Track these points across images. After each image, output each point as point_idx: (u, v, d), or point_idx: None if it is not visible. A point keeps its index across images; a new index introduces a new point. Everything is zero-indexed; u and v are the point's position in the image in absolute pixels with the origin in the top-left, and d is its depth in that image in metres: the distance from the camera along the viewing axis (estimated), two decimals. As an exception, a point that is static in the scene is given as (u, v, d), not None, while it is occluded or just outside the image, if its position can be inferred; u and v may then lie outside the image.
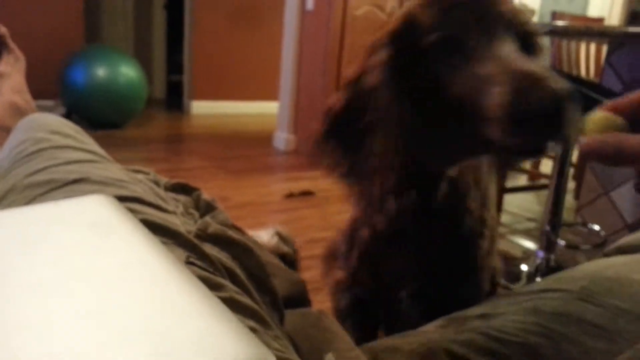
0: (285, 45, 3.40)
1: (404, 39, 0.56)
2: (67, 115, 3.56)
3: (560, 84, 0.43)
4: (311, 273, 1.61)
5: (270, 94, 4.94)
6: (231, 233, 0.53)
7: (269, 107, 4.89)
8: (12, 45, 1.05)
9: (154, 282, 0.29)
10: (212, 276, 0.42)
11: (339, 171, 0.62)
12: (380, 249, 0.70)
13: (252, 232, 0.89)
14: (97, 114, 3.50)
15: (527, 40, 0.56)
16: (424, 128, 0.55)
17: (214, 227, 0.52)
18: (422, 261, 0.67)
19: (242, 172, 2.81)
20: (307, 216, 2.17)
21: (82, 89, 3.37)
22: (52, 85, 3.62)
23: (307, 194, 2.46)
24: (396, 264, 0.69)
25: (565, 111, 0.43)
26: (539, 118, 0.44)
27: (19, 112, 0.89)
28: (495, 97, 0.46)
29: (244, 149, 3.39)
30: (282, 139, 3.45)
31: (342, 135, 0.61)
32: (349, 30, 3.08)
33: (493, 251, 0.71)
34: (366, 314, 0.79)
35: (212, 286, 0.40)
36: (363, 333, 0.81)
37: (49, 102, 3.70)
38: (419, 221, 0.64)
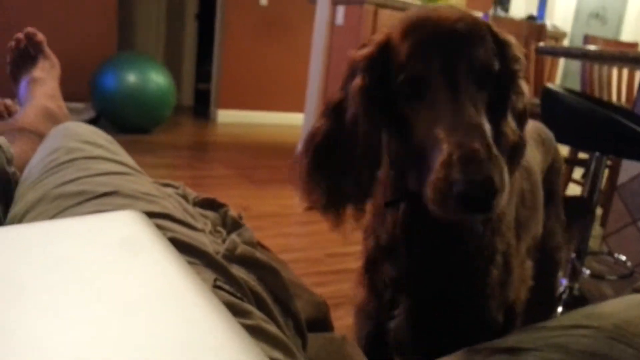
0: (313, 59, 3.42)
1: (379, 67, 0.57)
2: (97, 119, 3.64)
3: (485, 170, 0.46)
4: (331, 288, 1.60)
5: (296, 106, 4.97)
6: (258, 254, 0.53)
7: (294, 119, 4.92)
8: (48, 51, 1.07)
9: (179, 307, 0.28)
10: (239, 302, 0.42)
11: (321, 204, 0.65)
12: (379, 261, 0.70)
13: None
14: (126, 119, 3.57)
15: (507, 68, 0.57)
16: (400, 152, 0.58)
17: (241, 248, 0.52)
18: (416, 276, 0.66)
19: (265, 182, 2.82)
20: (327, 230, 2.16)
21: (112, 94, 3.44)
22: (84, 88, 3.71)
23: (328, 207, 2.46)
24: (391, 276, 0.68)
25: (479, 198, 0.46)
26: (454, 198, 0.46)
27: (52, 118, 0.91)
28: (430, 160, 0.50)
29: (268, 159, 3.41)
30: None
31: (326, 166, 0.62)
32: (378, 46, 3.09)
33: (510, 282, 0.68)
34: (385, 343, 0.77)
35: (239, 313, 0.41)
36: None
37: (79, 105, 3.78)
38: (411, 234, 0.64)
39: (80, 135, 0.62)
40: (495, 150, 0.48)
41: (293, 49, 4.91)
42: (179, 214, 0.51)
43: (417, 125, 0.53)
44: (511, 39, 0.61)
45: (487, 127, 0.51)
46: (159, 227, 0.42)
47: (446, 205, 0.48)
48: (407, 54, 0.54)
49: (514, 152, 0.61)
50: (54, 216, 0.46)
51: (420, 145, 0.53)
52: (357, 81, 0.58)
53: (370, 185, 0.59)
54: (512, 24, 2.52)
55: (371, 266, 0.72)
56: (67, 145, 0.58)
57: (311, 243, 1.99)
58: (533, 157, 0.85)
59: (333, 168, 0.61)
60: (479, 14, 2.71)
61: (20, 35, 1.02)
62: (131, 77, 3.44)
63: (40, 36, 1.04)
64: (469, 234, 0.63)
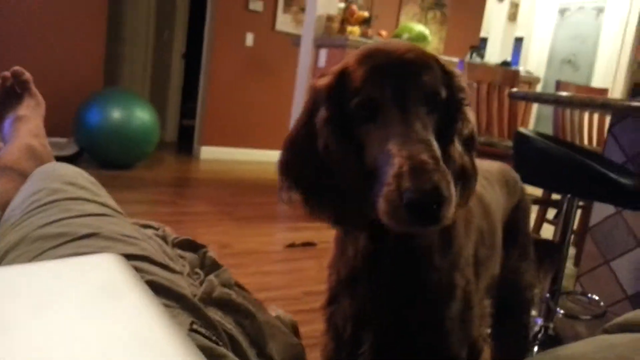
0: (296, 98, 3.50)
1: (338, 96, 0.61)
2: (79, 154, 3.64)
3: (433, 180, 0.49)
4: (309, 327, 1.60)
5: (278, 144, 5.01)
6: (235, 297, 0.55)
7: (277, 156, 4.96)
8: (34, 90, 1.08)
9: (155, 352, 0.29)
10: (214, 346, 0.43)
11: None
12: (340, 296, 0.72)
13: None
14: (109, 154, 3.57)
15: (454, 96, 0.61)
16: (359, 174, 0.60)
17: (218, 291, 0.54)
18: (377, 309, 0.67)
19: (246, 219, 2.83)
20: (306, 267, 2.18)
21: (96, 129, 3.46)
22: (68, 123, 3.72)
23: (308, 244, 2.48)
24: (352, 311, 0.69)
25: (428, 207, 0.49)
26: (405, 208, 0.49)
27: (35, 156, 0.91)
28: (383, 175, 0.53)
29: (250, 196, 3.43)
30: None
31: (325, 196, 0.66)
32: (359, 88, 3.18)
33: (471, 317, 0.69)
34: None
35: (214, 357, 0.41)
36: None
37: (62, 140, 3.78)
38: (372, 265, 0.66)
39: (64, 176, 0.63)
40: (442, 164, 0.52)
41: (276, 89, 5.00)
42: (158, 256, 0.52)
43: (371, 144, 0.57)
44: (457, 70, 0.64)
45: (435, 144, 0.55)
46: (138, 270, 0.43)
47: (398, 215, 0.50)
48: (361, 79, 0.58)
49: (465, 177, 0.63)
50: (34, 258, 0.47)
51: (373, 164, 0.56)
52: (322, 113, 0.62)
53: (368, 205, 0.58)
54: (487, 69, 2.63)
55: (332, 303, 0.74)
56: (50, 187, 0.60)
57: (290, 281, 2.00)
58: (494, 198, 0.88)
59: (333, 198, 0.64)
60: (455, 60, 2.81)
61: (6, 73, 1.03)
62: (116, 113, 3.47)
63: (27, 75, 1.05)
64: (427, 266, 0.64)
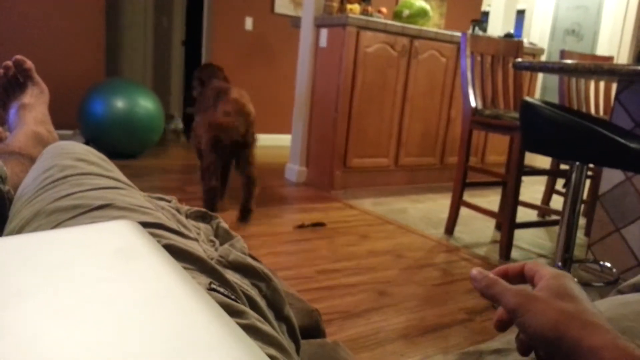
0: (298, 81, 3.48)
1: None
2: (85, 145, 3.64)
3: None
4: (323, 304, 1.62)
5: (282, 127, 5.02)
6: (250, 260, 0.55)
7: (282, 140, 4.97)
8: (37, 78, 1.08)
9: (176, 310, 0.29)
10: (234, 303, 0.43)
11: None
12: None
13: None
14: (115, 144, 3.58)
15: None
16: None
17: (234, 254, 0.54)
18: None
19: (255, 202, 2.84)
20: (317, 247, 2.19)
21: (101, 120, 3.46)
22: (73, 115, 3.73)
23: (318, 225, 2.49)
24: None
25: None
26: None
27: (42, 142, 0.92)
28: None
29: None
30: (294, 171, 3.50)
31: None
32: (361, 67, 3.16)
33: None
34: None
35: (234, 313, 0.42)
36: None
37: (68, 132, 3.79)
38: None
39: (74, 153, 0.63)
40: None
41: (278, 72, 4.98)
42: (172, 224, 0.52)
43: None
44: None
45: None
46: (154, 236, 0.44)
47: None
48: None
49: None
50: (50, 229, 0.48)
51: None
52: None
53: None
54: (490, 41, 2.60)
55: None
56: (61, 163, 0.60)
57: (302, 260, 2.01)
58: None
59: None
60: (457, 34, 2.79)
61: (8, 62, 1.03)
62: (119, 103, 3.47)
63: (29, 63, 1.05)
64: None
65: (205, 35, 4.75)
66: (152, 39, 5.51)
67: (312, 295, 1.68)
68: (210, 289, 0.44)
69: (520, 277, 0.46)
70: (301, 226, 2.45)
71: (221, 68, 3.01)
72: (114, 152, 3.63)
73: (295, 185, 3.41)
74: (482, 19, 5.04)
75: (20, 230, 0.50)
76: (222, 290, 0.44)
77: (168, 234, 0.48)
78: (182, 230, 0.53)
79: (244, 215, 2.48)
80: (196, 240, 0.54)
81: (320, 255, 2.08)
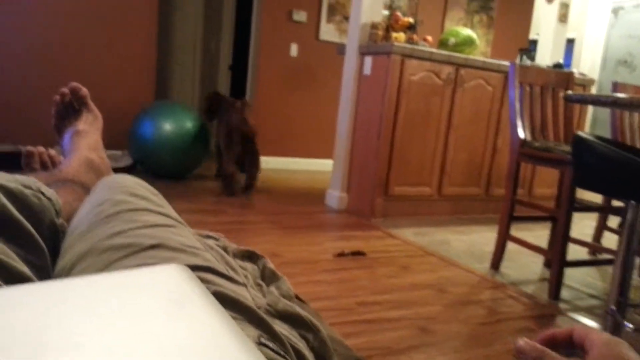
0: (341, 107, 3.50)
1: None
2: (134, 166, 3.76)
3: None
4: (364, 339, 1.59)
5: (325, 152, 5.04)
6: (299, 310, 0.54)
7: (324, 165, 4.98)
8: (91, 105, 1.10)
9: None
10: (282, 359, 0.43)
11: None
12: None
13: None
14: (162, 166, 3.67)
15: None
16: None
17: (283, 303, 0.53)
18: None
19: (294, 228, 2.84)
20: (357, 277, 2.15)
21: (149, 142, 3.56)
22: (122, 136, 3.86)
23: (358, 254, 2.46)
24: None
25: None
26: None
27: (94, 169, 0.94)
28: None
29: (298, 205, 3.44)
30: (335, 197, 3.49)
31: None
32: (405, 95, 3.14)
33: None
34: None
35: None
36: None
37: (117, 152, 3.92)
38: None
39: (126, 187, 0.64)
40: None
41: (321, 98, 5.02)
42: (221, 267, 0.52)
43: None
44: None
45: None
46: (203, 281, 0.43)
47: None
48: None
49: None
50: (102, 269, 0.48)
51: None
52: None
53: None
54: (539, 72, 2.54)
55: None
56: (114, 198, 0.61)
57: (342, 291, 1.98)
58: None
59: None
60: (505, 63, 2.75)
61: (65, 89, 1.05)
62: (167, 125, 3.56)
63: (85, 91, 1.07)
64: None
65: (251, 61, 4.86)
66: (200, 63, 5.68)
67: (352, 329, 1.65)
68: (260, 344, 0.43)
69: (569, 342, 0.43)
70: (341, 254, 2.43)
71: (221, 93, 3.98)
72: (161, 173, 3.73)
73: (335, 211, 3.39)
74: (529, 48, 4.96)
75: (72, 266, 0.51)
76: (271, 345, 0.43)
77: (217, 279, 0.48)
78: (231, 274, 0.52)
79: (249, 188, 3.65)
80: (244, 285, 0.53)
81: (361, 286, 2.05)
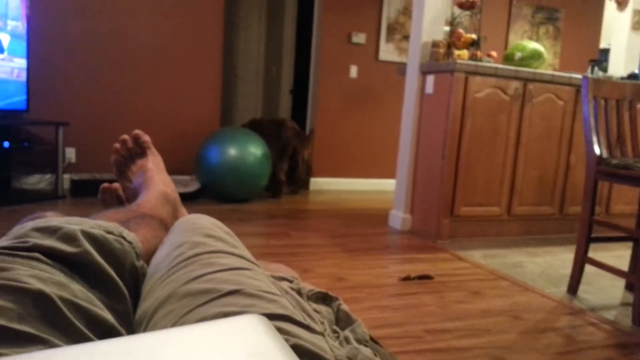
0: (403, 127, 3.46)
1: None
2: (201, 190, 3.88)
3: None
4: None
5: (387, 172, 5.00)
6: None
7: (386, 185, 4.94)
8: (154, 150, 1.12)
9: None
10: None
11: None
12: None
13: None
14: (227, 190, 3.78)
15: None
16: None
17: (362, 355, 0.52)
18: None
19: (358, 251, 2.82)
20: (425, 303, 2.09)
21: (215, 166, 3.67)
22: (190, 162, 4.01)
23: (424, 277, 2.39)
24: None
25: None
26: None
27: (169, 202, 0.97)
28: None
29: (360, 227, 3.41)
30: (398, 218, 3.43)
31: None
32: (470, 113, 3.07)
33: None
34: None
35: None
36: None
37: (186, 177, 4.07)
38: None
39: (203, 228, 0.66)
40: None
41: (383, 118, 5.00)
42: (297, 314, 0.52)
43: None
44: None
45: None
46: (281, 331, 0.43)
47: None
48: None
49: None
50: (182, 315, 0.49)
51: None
52: None
53: None
54: (615, 85, 2.40)
55: None
56: (192, 240, 0.62)
57: (408, 317, 1.93)
58: None
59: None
60: (576, 76, 2.64)
61: (125, 137, 1.07)
62: (232, 151, 3.67)
63: (147, 137, 1.09)
64: None
65: (311, 84, 4.93)
66: (262, 87, 5.83)
67: (421, 358, 1.60)
68: None
69: None
70: (407, 278, 2.37)
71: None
72: (225, 197, 3.83)
73: (399, 233, 3.34)
74: (601, 59, 4.73)
75: (153, 312, 0.52)
76: None
77: (295, 329, 0.47)
78: (309, 322, 0.52)
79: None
80: (322, 334, 0.52)
81: (429, 312, 1.99)
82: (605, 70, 4.28)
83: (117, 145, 1.06)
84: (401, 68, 3.63)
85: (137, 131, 1.06)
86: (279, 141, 4.15)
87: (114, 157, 1.06)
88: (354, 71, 4.85)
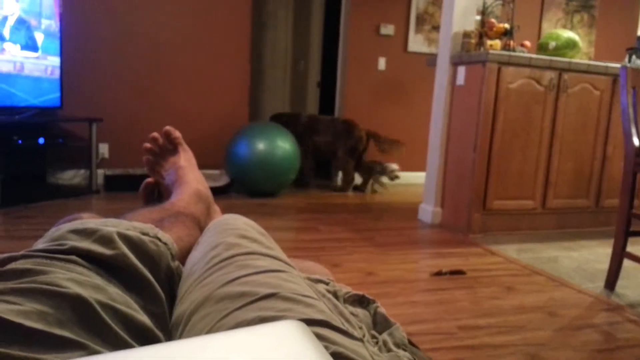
0: (433, 119, 3.41)
1: None
2: (230, 184, 3.91)
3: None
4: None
5: (417, 165, 4.94)
6: None
7: (416, 177, 4.88)
8: (185, 145, 1.11)
9: None
10: None
11: None
12: None
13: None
14: (255, 184, 3.79)
15: None
16: None
17: None
18: None
19: (388, 245, 2.79)
20: (457, 298, 2.06)
21: (244, 161, 3.69)
22: (220, 156, 4.04)
23: (457, 272, 2.36)
24: None
25: None
26: None
27: (202, 199, 0.97)
28: None
29: (391, 221, 3.39)
30: (428, 212, 3.39)
31: None
32: (502, 104, 3.00)
33: None
34: None
35: None
36: None
37: (215, 172, 4.10)
38: None
39: (237, 229, 0.65)
40: None
41: (412, 110, 4.94)
42: (335, 319, 0.50)
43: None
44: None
45: None
46: (319, 337, 0.42)
47: None
48: None
49: None
50: (219, 319, 0.49)
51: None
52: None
53: None
54: (657, 73, 2.31)
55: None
56: (227, 241, 0.62)
57: (441, 313, 1.90)
58: None
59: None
60: (613, 65, 2.55)
61: (155, 134, 1.07)
62: (260, 145, 3.68)
63: (178, 133, 1.09)
64: None
65: (339, 77, 4.90)
66: (289, 82, 5.83)
67: (453, 355, 1.57)
68: None
69: None
70: (439, 273, 2.34)
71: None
72: (255, 191, 3.85)
73: (429, 227, 3.30)
74: (638, 47, 4.55)
75: (190, 315, 0.52)
76: None
77: (334, 335, 0.46)
78: (347, 327, 0.50)
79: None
80: (361, 340, 0.51)
81: (461, 308, 1.96)
82: (644, 58, 4.12)
83: (148, 144, 1.06)
84: (431, 59, 3.57)
85: (168, 127, 1.06)
86: (350, 140, 4.29)
87: (145, 158, 1.07)
88: (382, 63, 4.80)
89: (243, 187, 3.89)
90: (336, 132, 4.33)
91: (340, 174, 4.57)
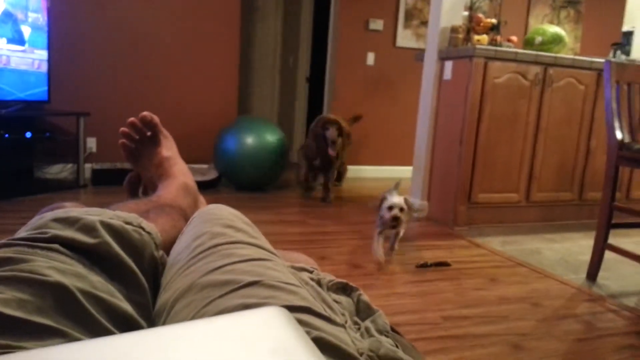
0: (421, 113, 3.44)
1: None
2: (219, 179, 3.91)
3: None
4: (453, 355, 1.53)
5: (403, 159, 4.97)
6: (401, 355, 0.52)
7: (403, 172, 4.91)
8: (164, 130, 1.07)
9: None
10: None
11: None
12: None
13: None
14: (244, 178, 3.80)
15: None
16: None
17: (385, 349, 0.52)
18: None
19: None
20: (442, 290, 2.09)
21: (232, 155, 3.69)
22: (208, 151, 4.04)
23: (441, 264, 2.39)
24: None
25: None
26: None
27: (189, 192, 0.96)
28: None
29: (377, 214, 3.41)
30: (415, 205, 3.42)
31: None
32: (489, 98, 3.03)
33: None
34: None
35: None
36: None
37: (203, 166, 4.10)
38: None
39: (222, 219, 0.66)
40: None
41: (399, 105, 4.97)
42: (318, 306, 0.51)
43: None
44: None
45: None
46: (302, 323, 0.43)
47: None
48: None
49: None
50: (202, 307, 0.49)
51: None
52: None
53: None
54: (638, 69, 2.35)
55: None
56: (211, 230, 0.62)
57: (426, 304, 1.93)
58: None
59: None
60: (598, 60, 2.58)
61: (133, 119, 1.02)
62: (249, 139, 3.68)
63: (156, 119, 1.04)
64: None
65: (328, 72, 4.91)
66: (278, 77, 5.82)
67: (438, 345, 1.60)
68: None
69: None
70: (424, 265, 2.37)
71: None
72: (243, 185, 3.85)
73: (415, 220, 3.33)
74: (623, 42, 4.61)
75: (173, 303, 0.52)
76: None
77: (316, 321, 0.47)
78: (329, 313, 0.52)
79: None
80: (344, 326, 0.52)
81: (446, 299, 1.99)
82: (628, 53, 4.18)
83: (125, 129, 1.01)
84: (419, 54, 3.59)
85: (145, 113, 1.01)
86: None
87: (121, 142, 1.02)
88: (371, 58, 4.81)
89: (232, 181, 3.90)
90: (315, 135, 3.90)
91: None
